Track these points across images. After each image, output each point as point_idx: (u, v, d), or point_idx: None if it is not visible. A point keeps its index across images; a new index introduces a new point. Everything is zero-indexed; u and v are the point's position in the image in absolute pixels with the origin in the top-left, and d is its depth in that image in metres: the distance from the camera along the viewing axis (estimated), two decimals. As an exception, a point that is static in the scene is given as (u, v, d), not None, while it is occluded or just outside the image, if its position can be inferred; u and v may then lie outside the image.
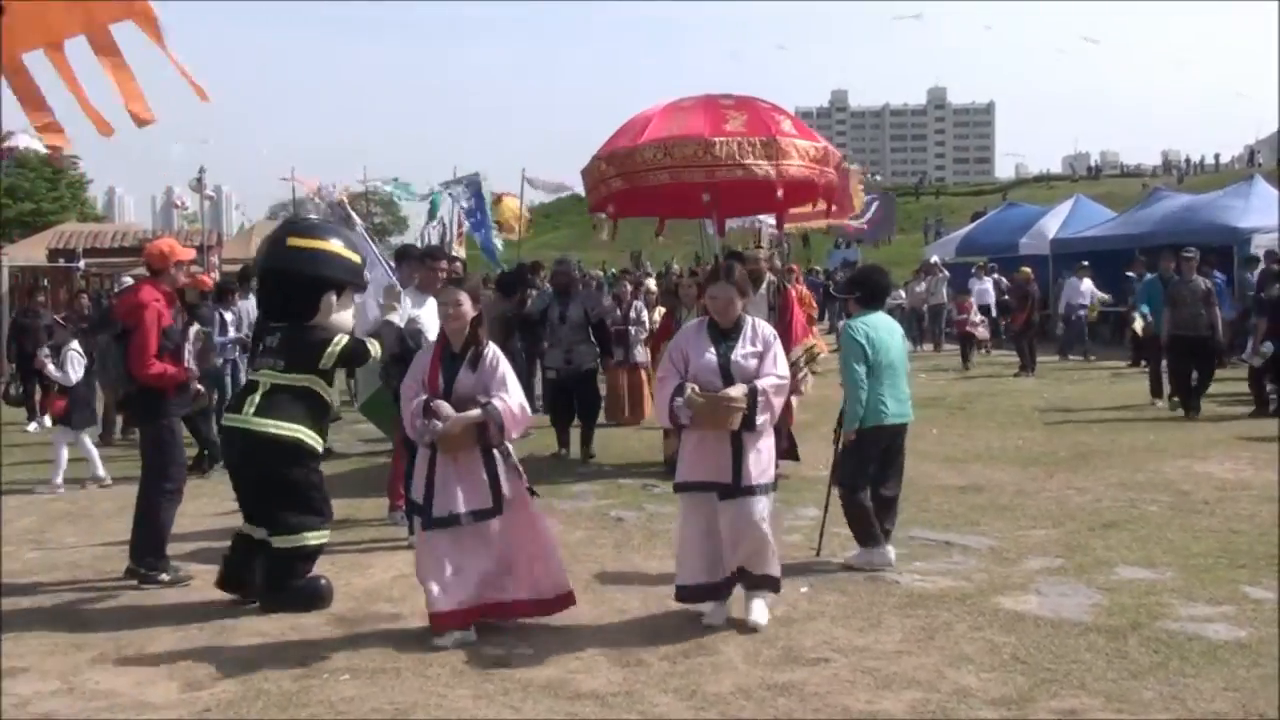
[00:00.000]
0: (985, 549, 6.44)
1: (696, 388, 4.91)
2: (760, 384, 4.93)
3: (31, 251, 25.04)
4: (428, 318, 6.97)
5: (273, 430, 5.47)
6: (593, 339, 10.49)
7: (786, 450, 8.45)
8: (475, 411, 4.91)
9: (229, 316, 11.61)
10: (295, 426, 5.52)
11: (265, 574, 5.55)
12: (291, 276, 5.68)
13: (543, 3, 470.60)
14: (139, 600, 5.74)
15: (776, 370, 5.01)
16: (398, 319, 6.77)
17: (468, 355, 5.05)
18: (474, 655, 4.82)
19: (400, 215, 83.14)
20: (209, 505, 8.11)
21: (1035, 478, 8.58)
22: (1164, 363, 12.42)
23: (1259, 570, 5.83)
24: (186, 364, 6.43)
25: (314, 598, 5.52)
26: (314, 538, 5.58)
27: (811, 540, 6.73)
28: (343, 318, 5.84)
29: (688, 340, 5.14)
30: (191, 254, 6.77)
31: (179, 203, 27.42)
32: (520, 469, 5.11)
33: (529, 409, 5.08)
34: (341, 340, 5.70)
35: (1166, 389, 12.31)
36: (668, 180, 9.25)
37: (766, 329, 5.13)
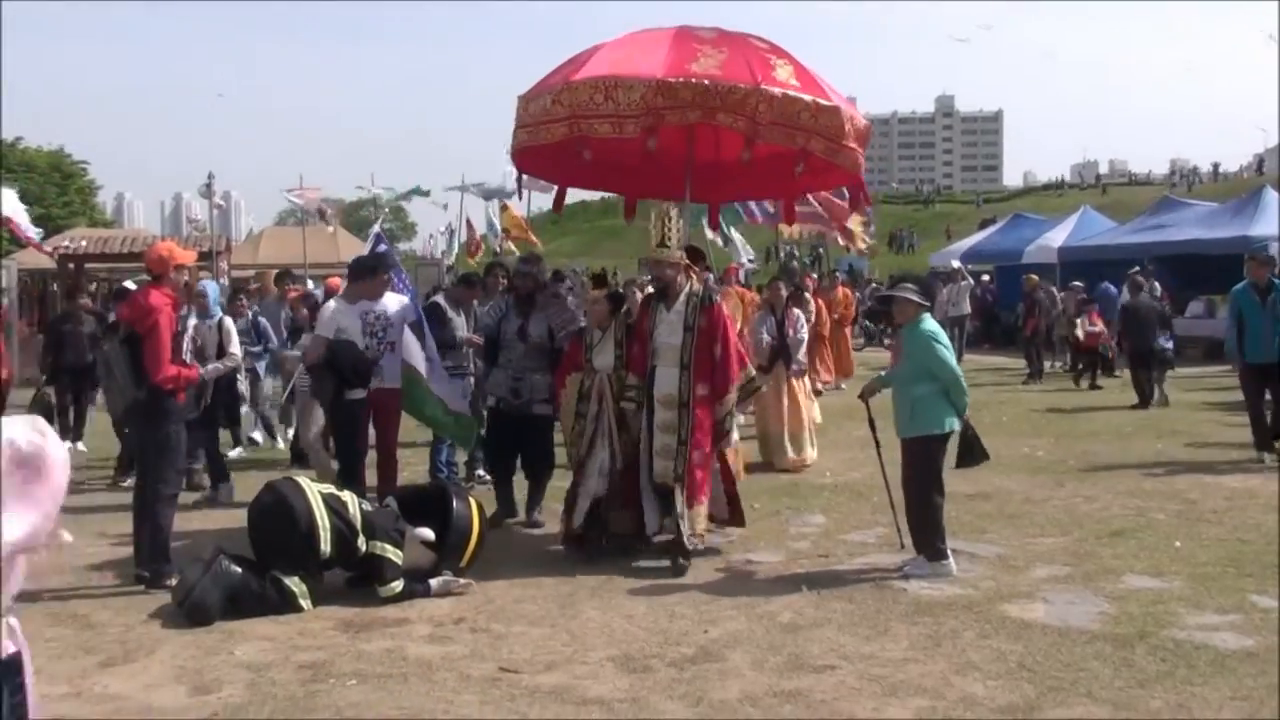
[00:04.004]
0: (993, 557, 6.43)
1: None
2: None
3: (40, 256, 25.08)
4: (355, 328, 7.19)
5: None
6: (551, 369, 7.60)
7: (731, 516, 6.98)
8: None
9: (239, 324, 11.60)
10: None
11: None
12: None
13: (548, 3, 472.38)
14: (146, 604, 5.75)
15: None
16: (327, 332, 7.10)
17: None
18: (480, 661, 4.83)
19: (409, 222, 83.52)
20: (217, 512, 8.13)
21: (1043, 486, 8.56)
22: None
23: (1266, 579, 5.82)
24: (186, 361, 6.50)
25: None
26: None
27: (820, 548, 6.76)
28: None
29: None
30: (192, 257, 6.71)
31: (193, 218, 27.63)
32: None
33: None
34: None
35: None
36: (610, 132, 6.72)
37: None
